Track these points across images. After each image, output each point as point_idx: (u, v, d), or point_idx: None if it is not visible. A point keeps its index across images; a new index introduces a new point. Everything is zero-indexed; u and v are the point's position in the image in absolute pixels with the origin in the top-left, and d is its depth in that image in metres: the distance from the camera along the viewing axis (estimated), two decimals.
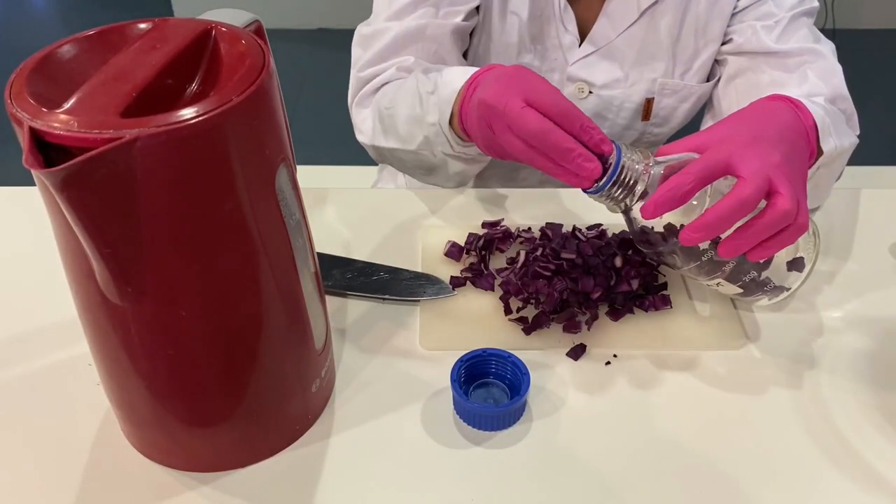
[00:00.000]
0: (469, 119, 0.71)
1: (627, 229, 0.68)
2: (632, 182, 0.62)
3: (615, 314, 0.71)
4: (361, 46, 0.92)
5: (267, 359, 0.55)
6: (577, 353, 0.68)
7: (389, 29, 0.89)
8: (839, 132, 0.75)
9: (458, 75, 0.74)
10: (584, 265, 0.73)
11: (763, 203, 0.59)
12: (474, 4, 0.91)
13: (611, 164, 0.61)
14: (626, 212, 0.65)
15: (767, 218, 0.59)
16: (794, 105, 0.70)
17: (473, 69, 0.74)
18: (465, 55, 0.98)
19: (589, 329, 0.70)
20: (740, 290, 0.67)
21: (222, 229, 0.48)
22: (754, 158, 0.59)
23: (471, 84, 0.72)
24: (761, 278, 0.67)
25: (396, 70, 0.88)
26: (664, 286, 0.75)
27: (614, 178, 0.61)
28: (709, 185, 0.61)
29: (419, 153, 0.82)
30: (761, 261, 0.63)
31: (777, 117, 0.68)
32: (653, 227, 0.65)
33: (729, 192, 0.59)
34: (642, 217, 0.60)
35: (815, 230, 0.68)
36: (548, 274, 0.72)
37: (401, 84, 0.86)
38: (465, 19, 0.90)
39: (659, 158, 0.63)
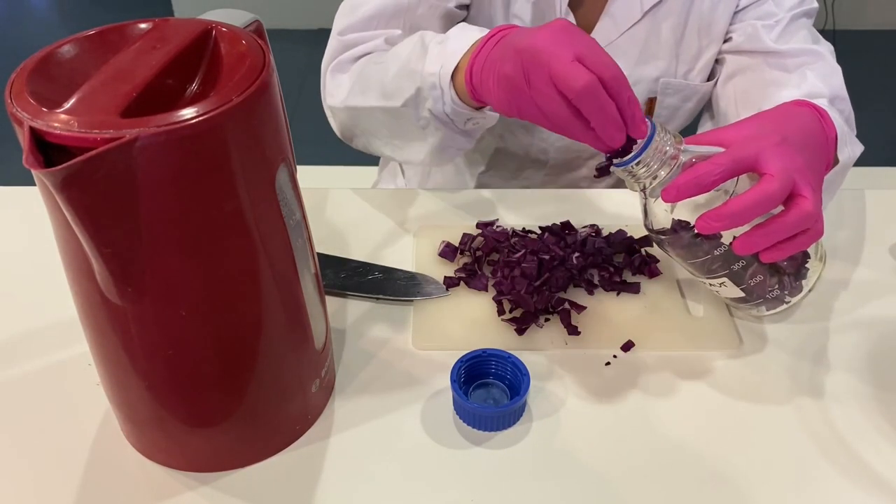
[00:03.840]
0: (488, 71, 0.66)
1: (641, 214, 0.66)
2: (658, 164, 0.61)
3: (595, 286, 0.74)
4: (346, 13, 0.89)
5: (267, 359, 0.55)
6: (626, 347, 0.69)
7: (379, 1, 0.86)
8: (852, 141, 0.76)
9: (472, 30, 0.71)
10: (553, 260, 0.75)
11: (780, 207, 0.59)
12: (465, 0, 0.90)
13: (641, 140, 0.60)
14: (644, 191, 0.63)
15: (790, 217, 0.58)
16: (820, 114, 0.70)
17: (486, 29, 0.70)
18: None
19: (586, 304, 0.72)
20: (741, 294, 0.67)
21: (222, 229, 0.48)
22: (781, 158, 0.59)
23: (491, 37, 0.67)
24: (764, 284, 0.66)
25: (384, 41, 0.85)
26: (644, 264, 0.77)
27: (642, 155, 0.60)
28: (730, 183, 0.60)
29: (400, 113, 0.77)
30: (770, 262, 0.62)
31: (803, 123, 0.68)
32: (670, 213, 0.64)
33: (754, 185, 0.58)
34: (663, 199, 0.60)
35: (822, 247, 0.68)
36: (521, 275, 0.74)
37: (395, 48, 0.82)
38: (457, 7, 0.90)
39: (687, 147, 0.62)
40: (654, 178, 0.61)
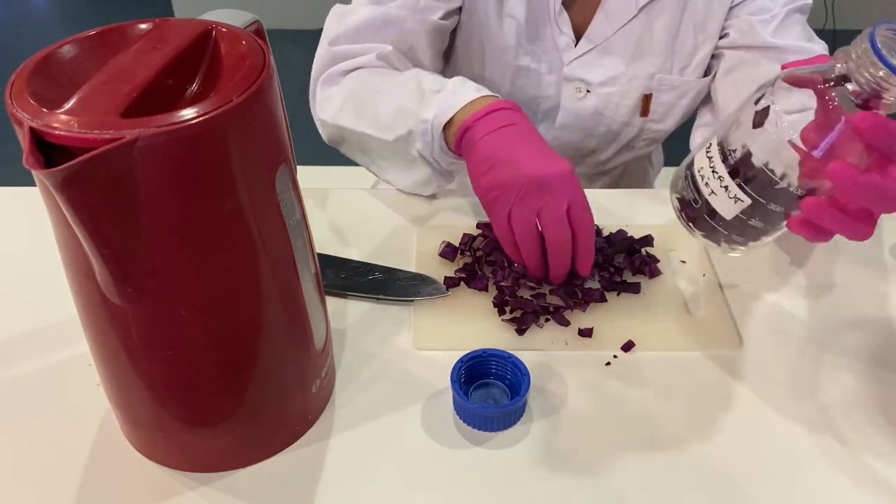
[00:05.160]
0: (481, 158, 0.72)
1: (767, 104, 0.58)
2: (875, 86, 0.54)
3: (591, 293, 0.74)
4: (336, 20, 0.90)
5: (267, 359, 0.55)
6: (626, 347, 0.70)
7: (368, 10, 0.88)
8: None
9: (469, 89, 0.76)
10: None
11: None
12: (455, 5, 0.91)
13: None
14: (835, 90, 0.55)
15: (864, 225, 0.54)
16: None
17: (484, 89, 0.76)
18: (452, 57, 0.99)
19: (584, 310, 0.73)
20: (746, 205, 0.60)
21: (222, 230, 0.48)
22: None
23: (488, 113, 0.73)
24: (769, 217, 0.60)
25: (376, 57, 0.87)
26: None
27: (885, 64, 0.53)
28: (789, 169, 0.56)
29: (391, 145, 0.81)
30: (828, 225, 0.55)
31: None
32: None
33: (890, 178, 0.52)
34: (855, 122, 0.52)
35: None
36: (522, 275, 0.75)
37: (391, 74, 0.85)
38: (445, 17, 0.90)
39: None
40: (864, 97, 0.54)
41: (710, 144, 0.62)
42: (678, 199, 0.66)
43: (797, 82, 0.58)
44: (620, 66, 0.94)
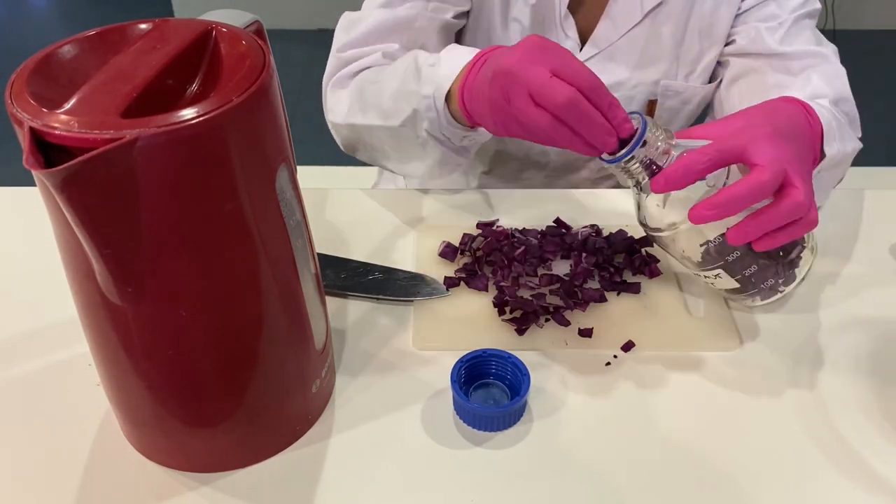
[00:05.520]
0: (476, 94, 0.68)
1: (635, 209, 0.67)
2: (650, 159, 0.61)
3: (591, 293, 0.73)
4: (345, 28, 0.90)
5: (267, 359, 0.55)
6: (626, 347, 0.69)
7: (378, 15, 0.88)
8: (843, 136, 0.76)
9: (462, 52, 0.73)
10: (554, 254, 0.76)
11: (768, 200, 0.60)
12: (464, 8, 0.91)
13: (633, 137, 0.61)
14: (638, 186, 0.64)
15: (782, 206, 0.59)
16: (806, 109, 0.70)
17: (476, 49, 0.72)
18: None
19: (584, 311, 0.72)
20: (737, 286, 0.67)
21: (223, 230, 0.48)
22: (771, 148, 0.59)
23: (477, 61, 0.70)
24: (759, 274, 0.66)
25: (382, 55, 0.87)
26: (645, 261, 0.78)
27: (633, 151, 0.61)
28: (720, 178, 0.61)
29: (399, 132, 0.79)
30: (763, 251, 0.63)
31: (790, 117, 0.68)
32: (663, 207, 0.65)
33: (745, 176, 0.59)
34: (652, 189, 0.60)
35: (814, 238, 0.68)
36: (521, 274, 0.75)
37: (391, 64, 0.84)
38: (455, 17, 0.90)
39: (679, 141, 0.63)
40: (649, 172, 0.62)
41: (685, 265, 0.70)
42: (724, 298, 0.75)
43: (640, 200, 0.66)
44: (625, 72, 0.94)
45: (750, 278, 0.66)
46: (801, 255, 0.67)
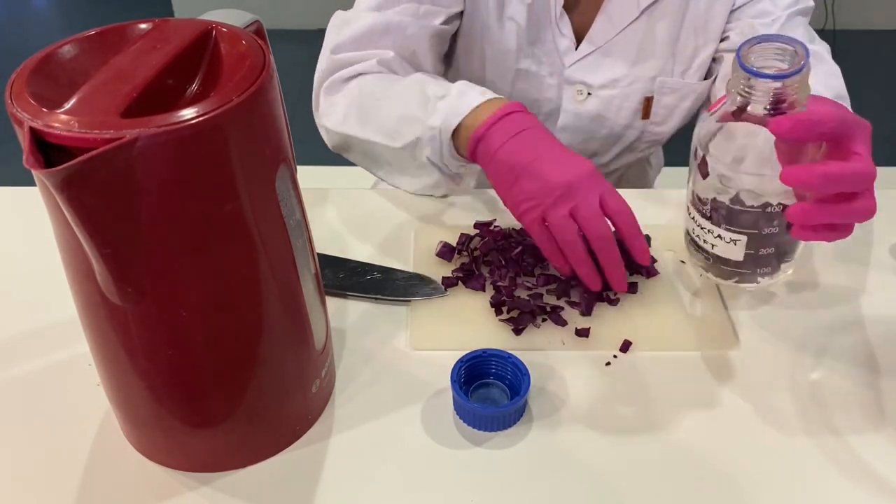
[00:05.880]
0: (491, 162, 0.72)
1: (704, 131, 0.64)
2: (785, 96, 0.58)
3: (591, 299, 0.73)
4: (337, 27, 0.90)
5: (267, 359, 0.55)
6: (625, 347, 0.69)
7: (369, 17, 0.88)
8: None
9: (475, 92, 0.76)
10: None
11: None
12: (456, 10, 0.91)
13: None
14: (741, 111, 0.61)
15: (856, 208, 0.57)
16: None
17: (489, 92, 0.76)
18: (454, 60, 0.99)
19: (588, 314, 0.72)
20: (740, 259, 0.67)
21: (222, 229, 0.48)
22: (869, 145, 0.58)
23: (502, 117, 0.72)
24: (766, 259, 0.66)
25: (377, 63, 0.87)
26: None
27: (801, 71, 0.57)
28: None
29: (399, 152, 0.81)
30: (800, 238, 0.61)
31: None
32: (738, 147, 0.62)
33: (851, 160, 0.56)
34: (772, 128, 0.56)
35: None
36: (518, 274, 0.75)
37: (393, 79, 0.85)
38: (446, 22, 0.90)
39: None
40: (773, 106, 0.59)
41: (687, 208, 0.69)
42: (701, 266, 0.73)
43: (723, 119, 0.64)
44: (622, 69, 0.94)
45: (758, 258, 0.66)
46: (794, 257, 0.68)
